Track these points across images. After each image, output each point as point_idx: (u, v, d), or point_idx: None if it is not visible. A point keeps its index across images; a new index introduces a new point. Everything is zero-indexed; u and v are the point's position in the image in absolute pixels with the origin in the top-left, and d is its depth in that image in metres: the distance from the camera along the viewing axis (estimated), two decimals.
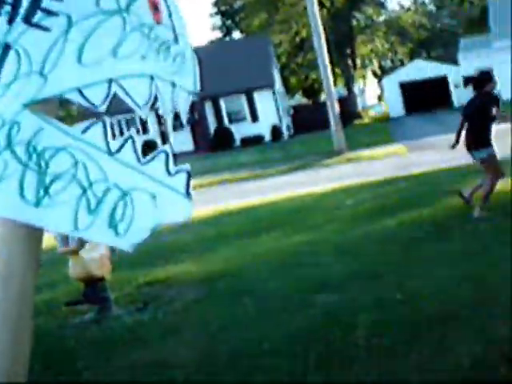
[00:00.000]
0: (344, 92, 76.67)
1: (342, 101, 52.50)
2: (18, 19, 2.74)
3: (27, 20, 2.74)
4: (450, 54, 77.38)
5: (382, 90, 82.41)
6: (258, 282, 10.59)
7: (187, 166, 3.02)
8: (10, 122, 2.72)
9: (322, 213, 17.14)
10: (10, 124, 2.72)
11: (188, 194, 2.99)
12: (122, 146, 2.87)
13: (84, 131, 2.82)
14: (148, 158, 2.93)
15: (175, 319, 9.40)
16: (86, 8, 2.77)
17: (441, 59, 74.55)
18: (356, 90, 78.93)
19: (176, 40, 3.09)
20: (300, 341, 7.46)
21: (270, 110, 63.41)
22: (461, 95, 55.39)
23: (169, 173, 2.95)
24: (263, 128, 62.61)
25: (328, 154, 32.94)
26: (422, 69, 62.78)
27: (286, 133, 62.29)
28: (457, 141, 13.14)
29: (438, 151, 24.94)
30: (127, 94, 2.83)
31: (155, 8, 2.99)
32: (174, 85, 3.07)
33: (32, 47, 2.74)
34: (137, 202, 2.86)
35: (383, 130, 44.03)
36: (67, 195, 2.78)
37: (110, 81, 2.78)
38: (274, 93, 64.57)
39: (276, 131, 61.89)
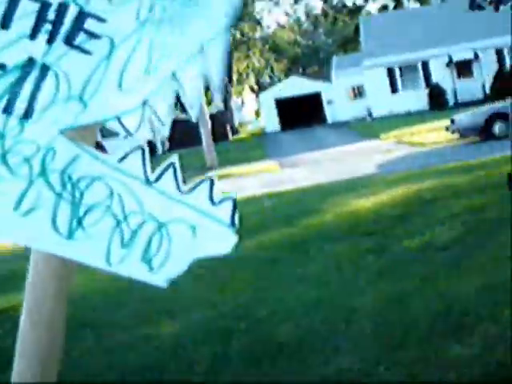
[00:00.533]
0: (221, 107, 75.93)
1: (217, 116, 52.49)
2: (59, 39, 2.62)
3: (68, 41, 2.63)
4: (324, 71, 76.79)
5: (259, 105, 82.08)
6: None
7: (233, 195, 2.78)
8: (46, 148, 2.62)
9: None
10: (45, 150, 2.62)
11: (233, 223, 2.75)
12: (161, 175, 2.70)
13: (121, 159, 2.69)
14: (190, 186, 2.74)
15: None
16: (129, 26, 2.62)
17: (316, 76, 73.94)
18: (234, 105, 78.44)
19: None
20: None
21: (143, 124, 62.57)
22: (333, 111, 59.84)
23: (212, 202, 2.73)
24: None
25: (199, 170, 32.01)
26: (297, 85, 62.23)
27: (160, 148, 61.93)
28: None
29: (309, 168, 25.42)
30: (156, 115, 2.66)
31: None
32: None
33: (72, 71, 2.62)
34: (174, 235, 2.70)
35: (258, 146, 43.07)
36: (101, 228, 2.67)
37: (144, 104, 2.62)
38: None
39: (149, 146, 60.86)
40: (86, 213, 2.66)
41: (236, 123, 74.97)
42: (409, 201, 13.51)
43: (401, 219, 11.69)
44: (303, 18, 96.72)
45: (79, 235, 2.66)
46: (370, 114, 50.92)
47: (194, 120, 2.65)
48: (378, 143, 31.95)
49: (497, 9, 13.96)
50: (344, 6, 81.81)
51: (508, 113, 21.61)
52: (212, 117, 42.14)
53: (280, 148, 40.15)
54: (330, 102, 61.47)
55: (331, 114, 61.04)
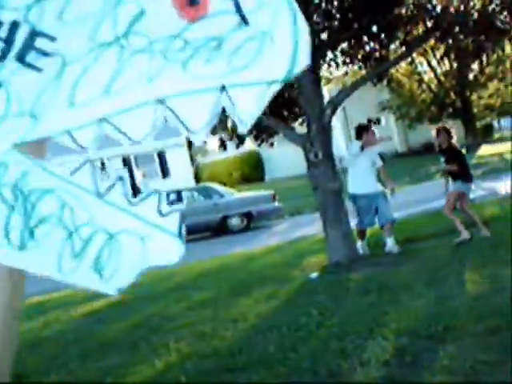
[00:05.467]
0: None
1: None
2: (11, 57, 2.69)
3: (20, 59, 2.69)
4: None
5: None
6: None
7: (181, 206, 2.85)
8: None
9: None
10: None
11: (180, 234, 2.82)
12: (111, 187, 2.77)
13: (73, 173, 2.75)
14: (139, 198, 2.80)
15: None
16: (81, 45, 2.67)
17: None
18: None
19: (243, 22, 2.60)
20: None
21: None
22: None
23: (161, 213, 2.80)
24: None
25: None
26: None
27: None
28: None
29: None
30: (120, 131, 2.69)
31: (191, 2, 2.63)
32: (223, 88, 2.62)
33: (24, 87, 2.68)
34: (124, 245, 2.77)
35: None
36: (52, 239, 2.73)
37: (101, 121, 2.67)
38: None
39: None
40: (37, 224, 2.72)
41: None
42: None
43: None
44: None
45: (31, 246, 2.71)
46: None
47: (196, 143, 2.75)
48: None
49: None
50: None
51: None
52: None
53: None
54: None
55: None
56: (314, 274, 9.50)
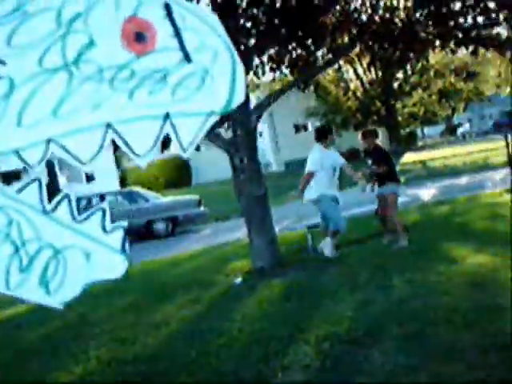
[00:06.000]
0: None
1: None
2: None
3: None
4: None
5: None
6: None
7: (124, 223, 3.01)
8: None
9: None
10: None
11: (123, 250, 2.97)
12: (57, 205, 2.89)
13: (20, 190, 2.86)
14: (84, 215, 2.93)
15: None
16: (30, 69, 2.76)
17: None
18: None
19: (187, 59, 2.87)
20: None
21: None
22: None
23: (105, 230, 2.95)
24: None
25: None
26: None
27: None
28: None
29: None
30: (67, 152, 2.79)
31: (138, 38, 2.85)
32: (166, 117, 2.85)
33: None
34: (69, 260, 2.89)
35: None
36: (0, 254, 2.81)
37: (49, 141, 2.76)
38: None
39: None
40: None
41: None
42: None
43: None
44: None
45: None
46: None
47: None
48: None
49: None
50: None
51: None
52: None
53: None
54: None
55: None
56: (238, 279, 9.49)
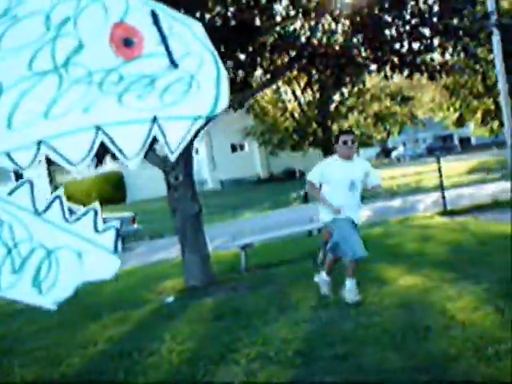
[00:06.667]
0: None
1: None
2: None
3: None
4: None
5: None
6: None
7: (116, 223, 3.03)
8: None
9: None
10: None
11: (116, 250, 3.01)
12: (49, 206, 2.90)
13: (11, 192, 2.87)
14: (75, 216, 2.95)
15: None
16: (19, 72, 2.79)
17: None
18: None
19: (173, 65, 2.96)
20: None
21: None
22: None
23: (97, 230, 2.97)
24: None
25: None
26: None
27: None
28: None
29: None
30: (58, 153, 2.82)
31: (126, 43, 2.91)
32: (154, 120, 2.92)
33: None
34: (62, 261, 2.90)
35: None
36: None
37: (39, 143, 2.78)
38: None
39: None
40: None
41: None
42: None
43: None
44: None
45: None
46: None
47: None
48: None
49: None
50: None
51: None
52: None
53: None
54: None
55: None
56: (170, 298, 9.41)
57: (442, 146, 68.32)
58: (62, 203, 2.92)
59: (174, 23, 2.94)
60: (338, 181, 7.78)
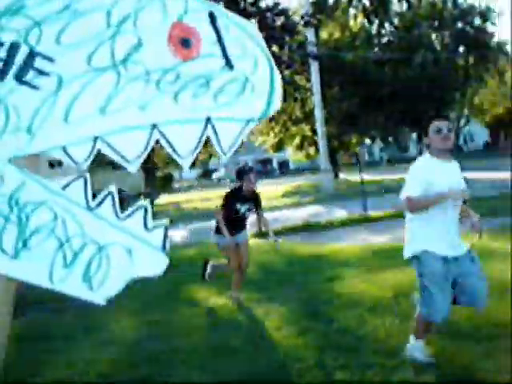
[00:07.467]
0: None
1: None
2: (10, 76, 2.82)
3: (18, 77, 2.83)
4: None
5: None
6: None
7: (165, 222, 3.07)
8: None
9: None
10: None
11: (164, 248, 3.04)
12: (101, 202, 2.95)
13: (65, 187, 2.91)
14: (127, 213, 2.99)
15: None
16: (78, 67, 2.87)
17: None
18: None
19: (229, 66, 3.03)
20: None
21: None
22: None
23: (146, 228, 3.01)
24: None
25: None
26: None
27: None
28: None
29: None
30: (114, 149, 2.88)
31: (184, 43, 2.99)
32: (208, 120, 2.98)
33: (21, 104, 2.82)
34: (112, 257, 2.96)
35: None
36: (45, 249, 2.87)
37: (96, 138, 2.86)
38: None
39: None
40: (31, 235, 2.85)
41: None
42: None
43: None
44: None
45: (24, 255, 2.84)
46: None
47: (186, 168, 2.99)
48: None
49: None
50: None
51: None
52: None
53: None
54: None
55: None
56: None
57: (261, 170, 70.16)
58: (113, 200, 2.94)
59: (230, 24, 3.04)
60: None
